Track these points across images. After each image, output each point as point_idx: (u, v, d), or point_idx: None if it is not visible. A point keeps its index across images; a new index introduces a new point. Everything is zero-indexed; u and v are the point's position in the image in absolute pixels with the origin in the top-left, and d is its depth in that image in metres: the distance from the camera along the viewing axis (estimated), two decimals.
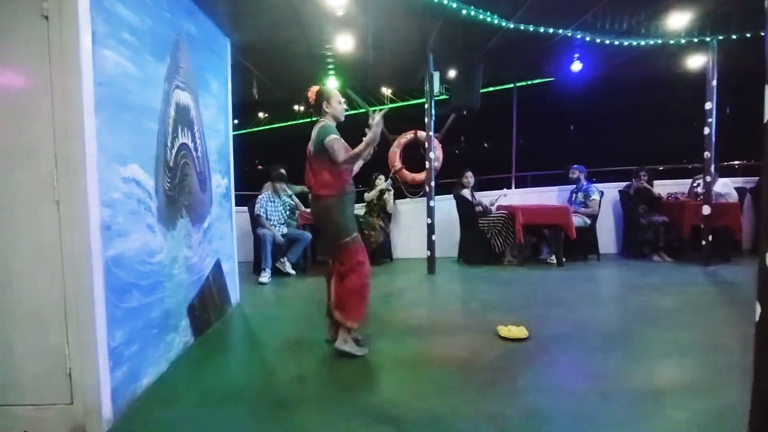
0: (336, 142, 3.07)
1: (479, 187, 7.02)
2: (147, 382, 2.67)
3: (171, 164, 3.11)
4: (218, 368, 3.03)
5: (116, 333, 2.34)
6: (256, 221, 6.03)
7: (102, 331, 2.21)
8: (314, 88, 3.29)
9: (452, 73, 6.62)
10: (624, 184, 6.96)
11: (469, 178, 6.65)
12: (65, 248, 2.13)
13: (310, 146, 3.19)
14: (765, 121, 1.71)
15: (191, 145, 3.50)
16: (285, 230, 6.08)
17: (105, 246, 2.25)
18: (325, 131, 3.11)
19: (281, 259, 6.02)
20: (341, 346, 3.13)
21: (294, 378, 2.85)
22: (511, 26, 4.70)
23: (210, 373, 2.95)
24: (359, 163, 3.35)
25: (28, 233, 2.14)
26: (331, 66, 6.20)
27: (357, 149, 3.07)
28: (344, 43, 5.15)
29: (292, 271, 6.04)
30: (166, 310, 2.95)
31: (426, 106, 5.92)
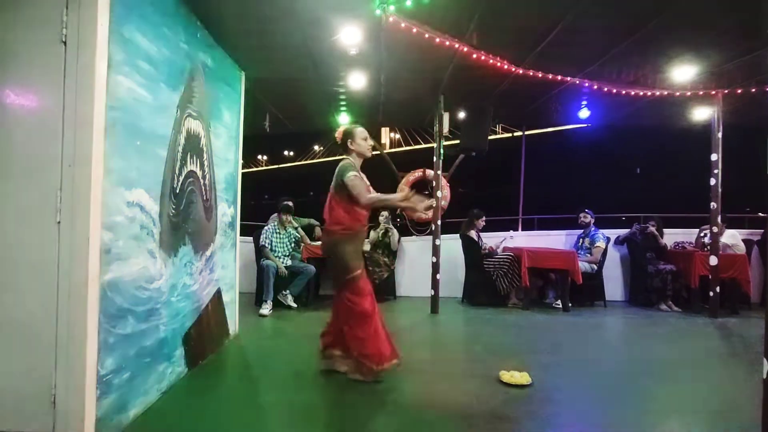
0: (355, 179, 3.20)
1: (485, 227, 6.99)
2: (135, 413, 2.58)
3: (177, 191, 3.12)
4: (209, 403, 2.94)
5: (107, 360, 2.28)
6: (260, 252, 6.01)
7: (92, 357, 2.15)
8: (340, 129, 3.46)
9: (462, 115, 6.70)
10: (627, 230, 6.89)
11: (482, 222, 6.66)
12: (62, 269, 2.11)
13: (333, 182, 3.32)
14: None
15: (199, 173, 3.53)
16: (289, 262, 6.04)
17: (103, 269, 2.23)
18: (345, 169, 3.25)
19: (283, 292, 5.95)
20: (353, 375, 3.27)
21: (285, 417, 2.76)
22: (521, 72, 4.78)
23: (200, 407, 2.86)
24: None
25: (25, 251, 2.13)
26: (343, 102, 6.30)
27: (386, 199, 3.27)
28: (356, 81, 5.25)
29: (294, 305, 5.96)
30: (160, 338, 2.89)
31: (435, 145, 5.97)
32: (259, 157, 54.19)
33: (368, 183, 3.35)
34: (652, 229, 6.50)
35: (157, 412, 2.72)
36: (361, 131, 3.41)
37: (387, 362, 3.23)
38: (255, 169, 54.38)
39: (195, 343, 3.46)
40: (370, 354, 3.20)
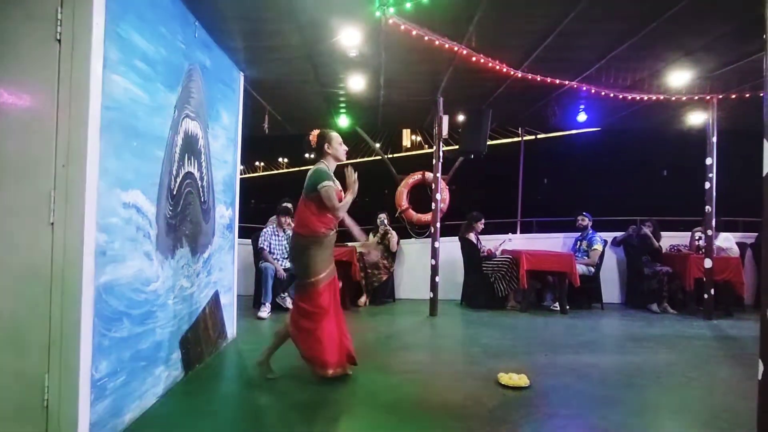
0: (330, 189, 3.18)
1: (483, 230, 6.98)
2: (130, 418, 2.54)
3: (174, 192, 3.09)
4: (206, 407, 2.91)
5: (101, 363, 2.24)
6: (259, 254, 5.97)
7: (86, 361, 2.11)
8: (315, 132, 3.43)
9: (461, 118, 6.69)
10: (621, 233, 6.91)
11: (481, 224, 6.66)
12: (56, 271, 2.07)
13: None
14: (765, 174, 1.70)
15: (197, 175, 3.50)
16: (288, 265, 5.99)
17: (98, 271, 2.19)
18: (320, 176, 3.23)
19: (282, 294, 5.91)
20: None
21: (282, 421, 2.73)
22: (519, 75, 4.77)
23: (197, 411, 2.83)
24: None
25: (18, 252, 2.09)
26: (342, 104, 6.29)
27: (344, 202, 3.23)
28: (356, 83, 5.23)
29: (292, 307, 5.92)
30: (157, 341, 2.85)
31: (434, 148, 5.95)
32: (280, 159, 55.08)
33: (340, 187, 3.32)
34: (646, 230, 6.50)
35: (153, 416, 2.68)
36: (337, 135, 3.41)
37: (331, 369, 3.25)
38: (276, 171, 54.91)
39: (192, 347, 3.42)
40: (312, 357, 3.26)
